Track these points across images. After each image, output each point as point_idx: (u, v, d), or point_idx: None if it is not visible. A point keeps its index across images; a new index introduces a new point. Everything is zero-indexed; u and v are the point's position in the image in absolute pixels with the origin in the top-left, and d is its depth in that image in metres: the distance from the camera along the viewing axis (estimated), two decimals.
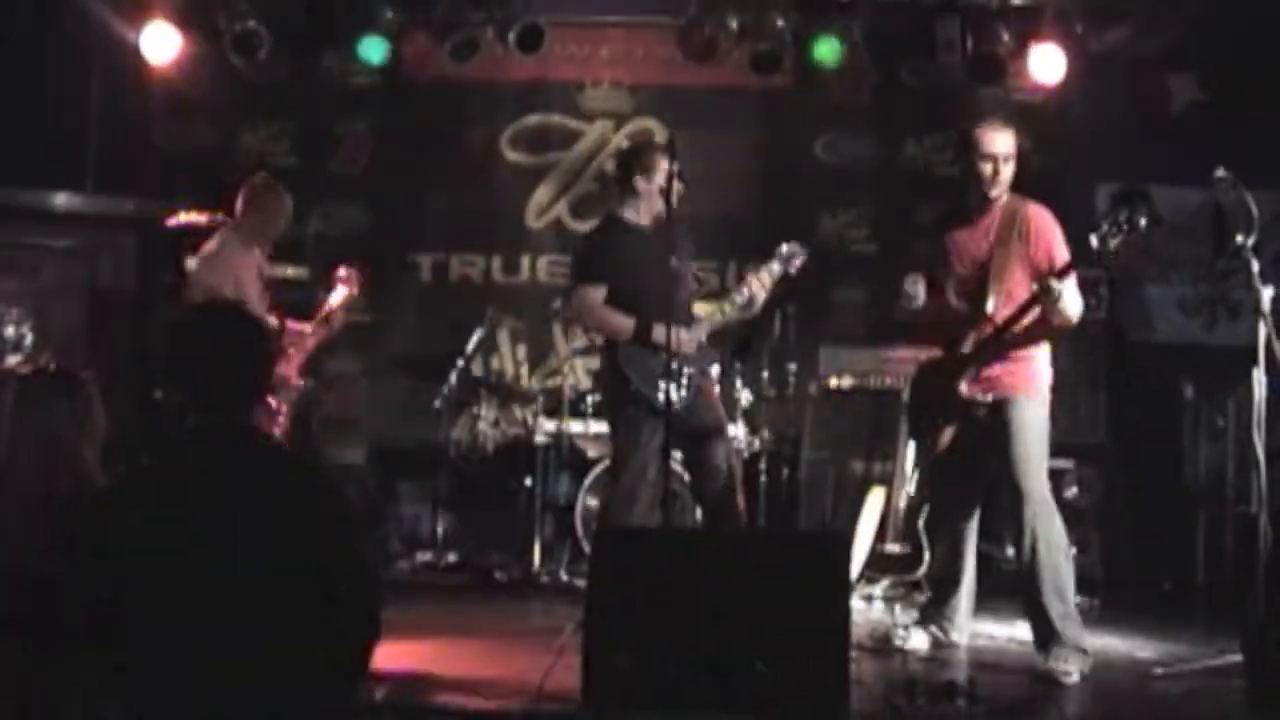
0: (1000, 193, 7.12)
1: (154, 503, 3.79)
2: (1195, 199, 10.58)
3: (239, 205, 8.59)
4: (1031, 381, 7.11)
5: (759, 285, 7.91)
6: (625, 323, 7.82)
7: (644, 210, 7.93)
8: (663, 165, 7.72)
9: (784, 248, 7.95)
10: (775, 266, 7.87)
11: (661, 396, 7.58)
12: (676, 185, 7.60)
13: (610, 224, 8.07)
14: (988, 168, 7.07)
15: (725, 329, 8.18)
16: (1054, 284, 6.75)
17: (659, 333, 7.49)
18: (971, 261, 7.20)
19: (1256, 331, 6.99)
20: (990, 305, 7.05)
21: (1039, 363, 7.15)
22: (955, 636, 7.48)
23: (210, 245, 8.45)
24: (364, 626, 3.95)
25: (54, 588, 4.04)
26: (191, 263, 8.49)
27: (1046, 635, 6.95)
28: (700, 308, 8.02)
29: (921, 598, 8.77)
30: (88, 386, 5.03)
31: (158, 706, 3.69)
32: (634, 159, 8.07)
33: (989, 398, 7.10)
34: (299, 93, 11.45)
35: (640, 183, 7.91)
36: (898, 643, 7.46)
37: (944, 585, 7.57)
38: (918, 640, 7.45)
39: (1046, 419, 7.12)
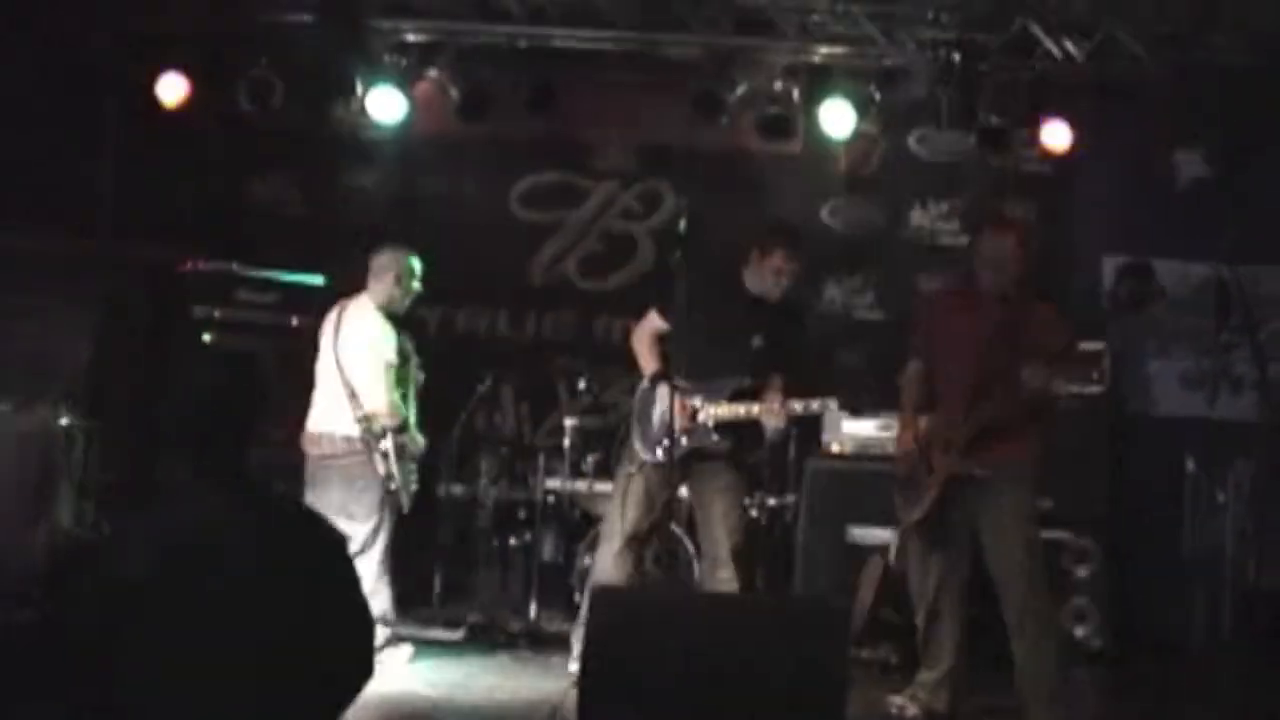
0: (1000, 291, 7.22)
1: (145, 554, 3.76)
2: (1199, 273, 10.62)
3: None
4: (1026, 459, 7.15)
5: (776, 418, 7.90)
6: (650, 365, 8.01)
7: (752, 280, 7.99)
8: (785, 252, 7.84)
9: (816, 404, 7.92)
10: (797, 408, 7.85)
11: (645, 447, 7.68)
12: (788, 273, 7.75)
13: (719, 276, 8.07)
14: (986, 274, 7.15)
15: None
16: (1034, 374, 6.88)
17: (662, 392, 7.68)
18: (965, 337, 7.28)
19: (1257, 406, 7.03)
20: (990, 391, 7.11)
21: (1033, 441, 7.18)
22: (944, 707, 7.47)
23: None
24: (356, 667, 3.96)
25: (24, 634, 4.02)
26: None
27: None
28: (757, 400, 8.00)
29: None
30: (71, 434, 5.03)
31: None
32: (763, 234, 8.09)
33: (985, 469, 7.12)
34: (309, 142, 11.48)
35: (755, 255, 7.96)
36: (892, 711, 7.46)
37: (931, 656, 7.57)
38: (911, 711, 7.45)
39: (1037, 497, 7.19)
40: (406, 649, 8.51)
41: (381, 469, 8.21)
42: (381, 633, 8.05)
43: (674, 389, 7.53)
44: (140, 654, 3.67)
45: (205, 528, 3.82)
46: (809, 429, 10.09)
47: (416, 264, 8.72)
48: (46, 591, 4.30)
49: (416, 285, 8.72)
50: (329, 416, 8.33)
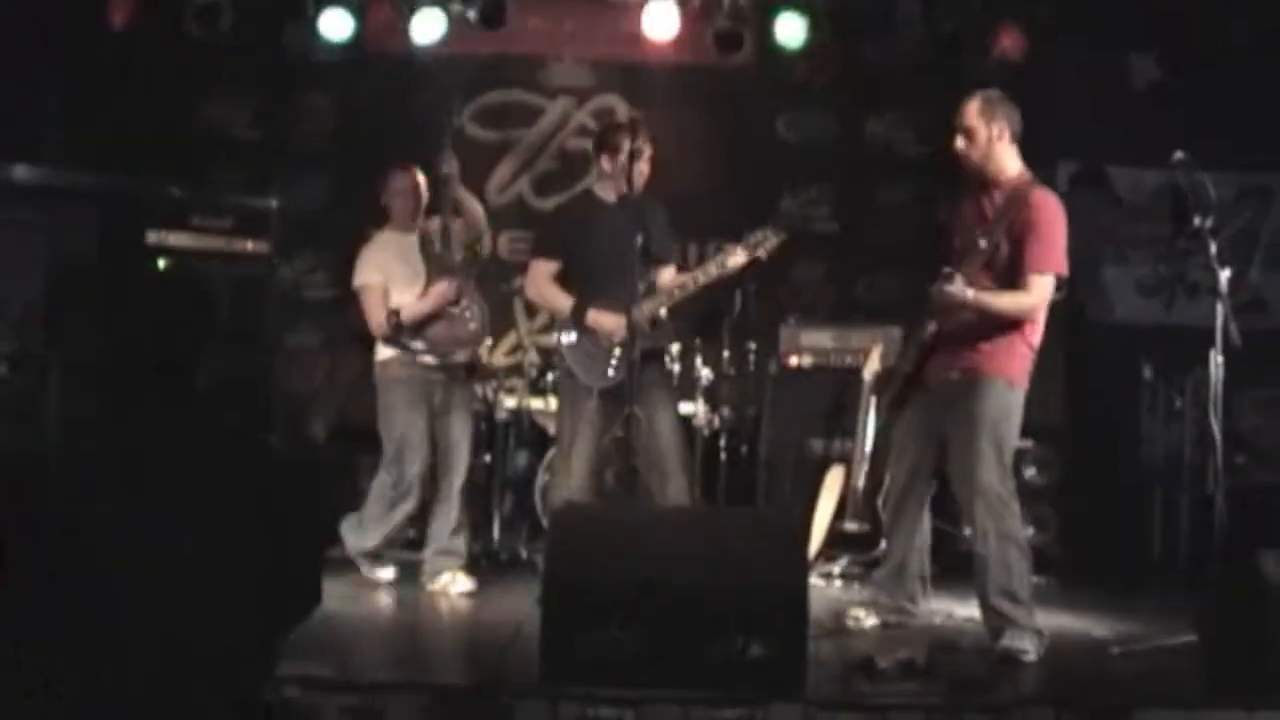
0: (970, 165, 7.15)
1: (108, 472, 3.77)
2: (1154, 180, 10.65)
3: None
4: (999, 365, 7.01)
5: (716, 268, 7.89)
6: (564, 302, 8.04)
7: (611, 188, 8.05)
8: (625, 144, 7.77)
9: (754, 234, 7.88)
10: (741, 250, 7.85)
11: (586, 375, 7.73)
12: (641, 162, 7.69)
13: (578, 199, 8.37)
14: (956, 138, 7.14)
15: (685, 306, 8.15)
16: (951, 290, 6.85)
17: (591, 316, 7.83)
18: (965, 237, 7.21)
19: (1214, 312, 7.03)
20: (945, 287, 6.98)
21: (1014, 347, 7.04)
22: (905, 611, 7.51)
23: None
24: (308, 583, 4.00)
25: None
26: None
27: (998, 624, 6.98)
28: (665, 281, 8.04)
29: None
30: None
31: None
32: (600, 137, 8.23)
33: (954, 375, 7.11)
34: (260, 65, 11.38)
35: (605, 161, 8.06)
36: (849, 623, 7.50)
37: (891, 559, 7.61)
38: (870, 620, 7.48)
39: (1010, 406, 7.05)
40: (388, 570, 8.57)
41: None
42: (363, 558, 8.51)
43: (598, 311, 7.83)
44: (94, 574, 3.67)
45: (156, 450, 3.79)
46: (768, 341, 10.12)
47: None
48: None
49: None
50: None
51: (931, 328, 7.18)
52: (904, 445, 7.48)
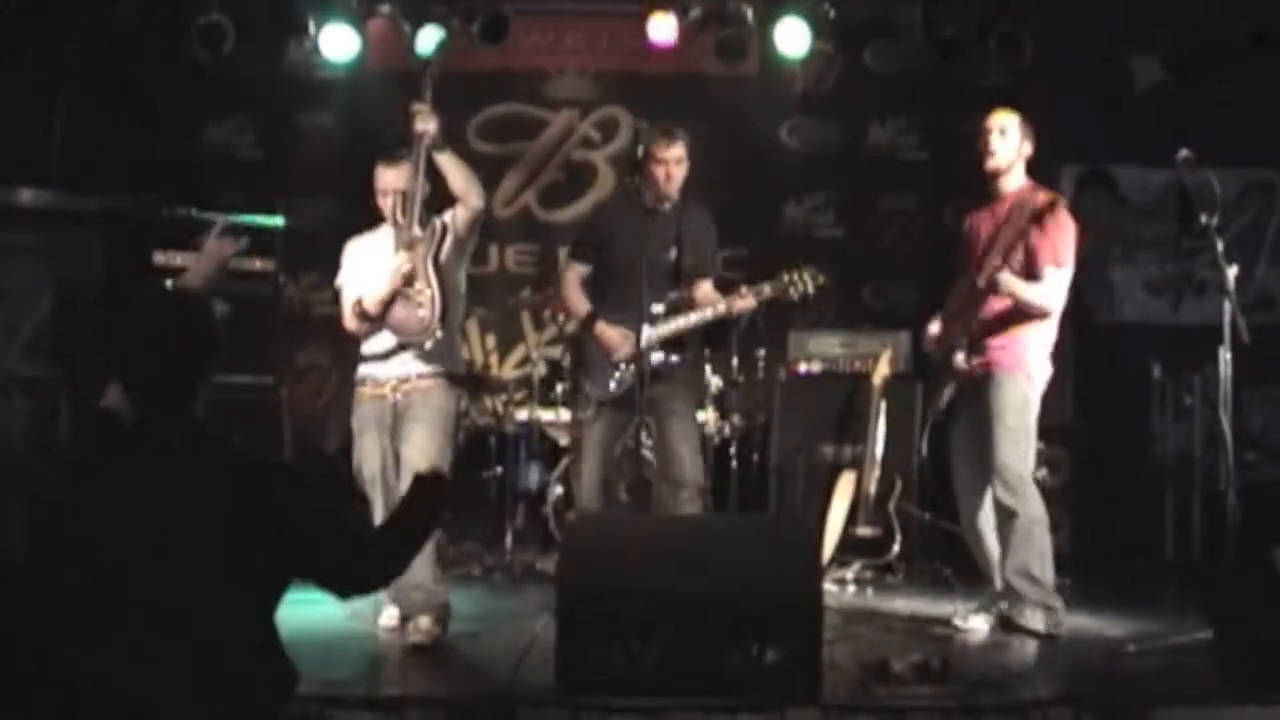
0: (995, 165, 7.31)
1: (94, 501, 3.75)
2: (1159, 179, 10.67)
3: None
4: (1016, 360, 7.22)
5: (744, 304, 7.85)
6: (580, 308, 7.95)
7: (650, 195, 7.88)
8: (659, 151, 7.73)
9: (791, 274, 7.78)
10: (770, 288, 7.79)
11: (590, 384, 7.74)
12: (675, 170, 7.71)
13: (616, 202, 8.25)
14: (980, 140, 7.32)
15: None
16: (1003, 278, 7.03)
17: (599, 328, 7.76)
18: (980, 243, 7.40)
19: (1222, 310, 7.04)
20: (981, 281, 7.19)
21: (1028, 343, 7.24)
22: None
23: None
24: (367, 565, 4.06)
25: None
26: None
27: (1011, 605, 7.21)
28: (698, 296, 7.97)
29: (893, 579, 8.89)
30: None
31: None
32: (635, 144, 7.93)
33: (977, 372, 7.26)
34: (263, 85, 11.44)
35: (641, 169, 7.85)
36: (957, 622, 7.55)
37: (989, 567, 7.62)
38: (975, 622, 7.50)
39: (1030, 399, 7.24)
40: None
41: None
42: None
43: (609, 322, 7.71)
44: (81, 602, 3.66)
45: (151, 470, 3.79)
46: (777, 349, 10.14)
47: None
48: None
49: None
50: None
51: (962, 341, 7.29)
52: (957, 466, 7.57)
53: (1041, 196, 7.13)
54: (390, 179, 7.53)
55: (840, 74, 11.47)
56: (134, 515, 3.69)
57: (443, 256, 7.31)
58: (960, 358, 7.29)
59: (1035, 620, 7.06)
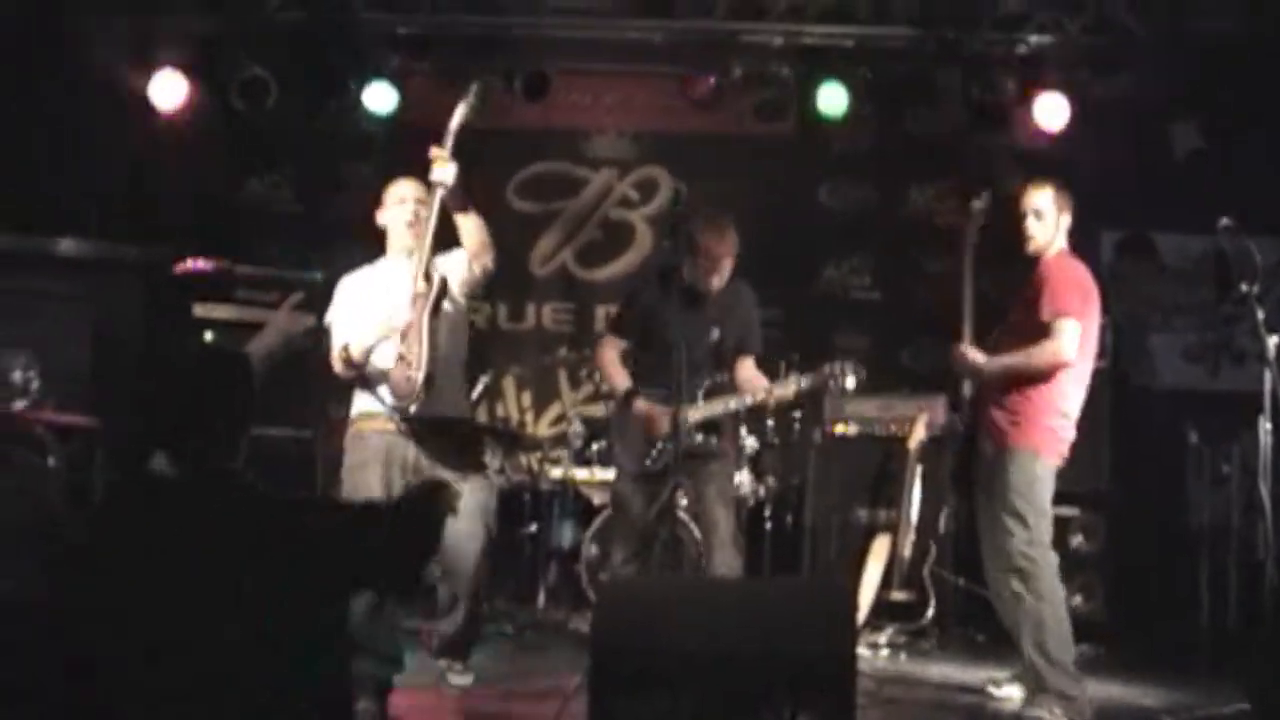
0: (1035, 249, 7.22)
1: (136, 551, 3.75)
2: (1198, 245, 10.64)
3: None
4: (1023, 435, 7.08)
5: (781, 394, 7.84)
6: (620, 383, 7.86)
7: (693, 276, 7.72)
8: (711, 249, 7.63)
9: (831, 367, 7.63)
10: (810, 380, 7.75)
11: (624, 457, 7.73)
12: (724, 266, 7.67)
13: (658, 280, 7.83)
14: (1018, 226, 7.23)
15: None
16: (958, 353, 7.12)
17: (638, 405, 7.65)
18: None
19: (1261, 378, 7.01)
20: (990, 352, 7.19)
21: (1036, 415, 7.08)
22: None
23: None
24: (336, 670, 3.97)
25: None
26: None
27: (1032, 683, 7.05)
28: (740, 377, 7.90)
29: (926, 645, 8.85)
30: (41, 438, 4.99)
31: None
32: (689, 231, 7.63)
33: (988, 448, 7.19)
34: (303, 140, 11.53)
35: (688, 256, 7.65)
36: (991, 689, 7.55)
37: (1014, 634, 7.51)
38: (1009, 691, 7.48)
39: (1037, 478, 7.07)
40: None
41: None
42: None
43: (647, 400, 7.61)
44: (122, 649, 3.65)
45: (188, 527, 3.78)
46: (812, 410, 10.12)
47: None
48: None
49: None
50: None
51: (967, 392, 7.27)
52: (982, 536, 7.47)
53: (1048, 259, 7.15)
54: (411, 189, 7.34)
55: (878, 136, 11.48)
56: (168, 572, 3.68)
57: (441, 311, 6.95)
58: (979, 437, 7.25)
59: (1055, 715, 6.80)
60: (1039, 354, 6.98)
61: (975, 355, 7.08)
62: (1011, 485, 7.01)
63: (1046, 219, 7.18)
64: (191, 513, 3.83)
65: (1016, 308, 7.20)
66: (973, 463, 7.41)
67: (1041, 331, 6.96)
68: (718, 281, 7.70)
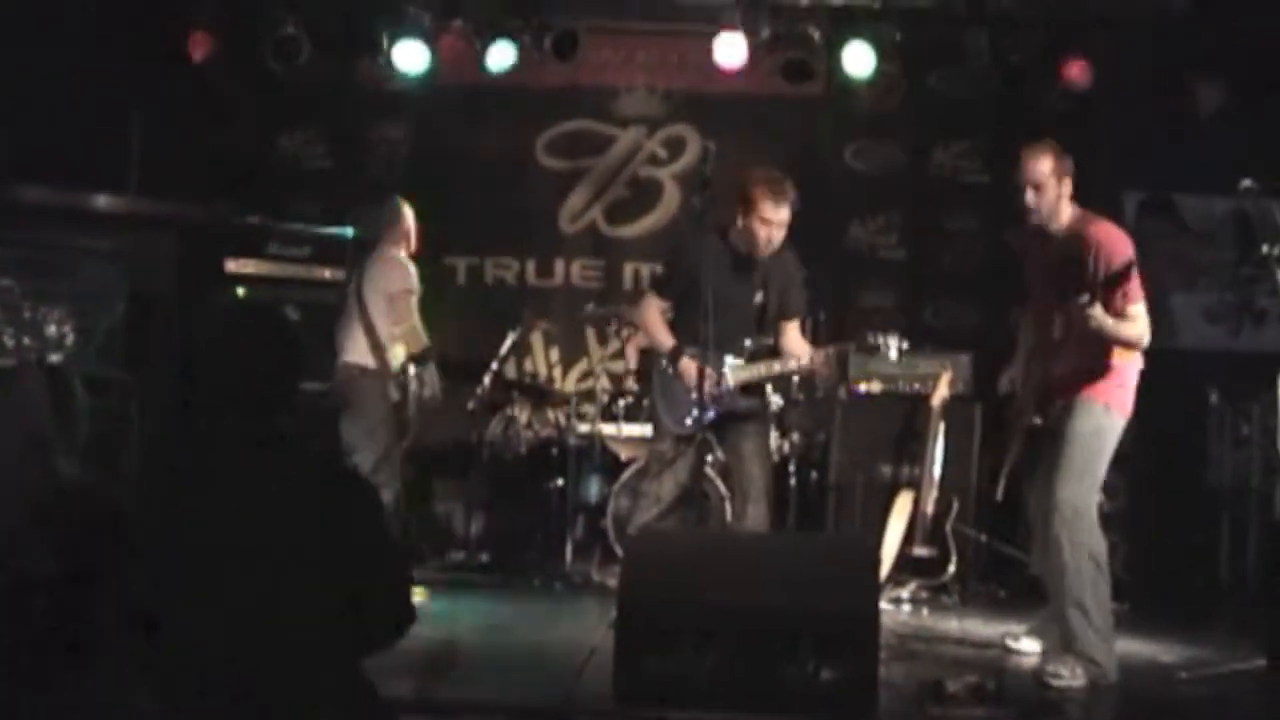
0: (1039, 220, 7.16)
1: (189, 505, 3.81)
2: (1221, 207, 10.64)
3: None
4: (1097, 390, 7.05)
5: (823, 365, 7.95)
6: (665, 340, 7.94)
7: (742, 239, 7.88)
8: (765, 210, 7.73)
9: (873, 338, 7.86)
10: (850, 353, 7.82)
11: (666, 415, 7.79)
12: (776, 231, 7.76)
13: (705, 243, 7.72)
14: (1021, 195, 7.14)
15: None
16: (1093, 312, 6.75)
17: (684, 364, 7.74)
18: (1040, 283, 7.32)
19: None
20: (1057, 331, 7.14)
21: (1111, 375, 7.07)
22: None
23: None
24: (395, 616, 4.02)
25: (69, 589, 4.09)
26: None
27: (1058, 639, 7.05)
28: (784, 342, 8.06)
29: (948, 600, 8.93)
30: (70, 382, 5.02)
31: (191, 699, 3.71)
32: (741, 190, 7.85)
33: (1060, 405, 7.12)
34: (335, 97, 11.61)
35: (739, 216, 7.83)
36: (1009, 643, 7.61)
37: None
38: (1027, 644, 7.55)
39: (1103, 430, 7.06)
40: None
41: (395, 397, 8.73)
42: None
43: (693, 358, 7.58)
44: (175, 609, 3.73)
45: (239, 485, 3.84)
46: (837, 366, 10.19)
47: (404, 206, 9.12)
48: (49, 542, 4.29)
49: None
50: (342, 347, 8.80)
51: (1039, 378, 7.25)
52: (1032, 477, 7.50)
53: (1094, 230, 7.04)
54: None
55: (905, 96, 11.53)
56: (217, 524, 3.77)
57: None
58: (1036, 403, 7.26)
59: (1065, 672, 6.75)
60: (1135, 332, 6.96)
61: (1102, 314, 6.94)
62: (1076, 432, 6.98)
63: (1047, 190, 7.08)
64: (248, 472, 3.88)
65: (1057, 280, 7.07)
66: (1016, 422, 7.44)
67: (1107, 299, 6.83)
68: (770, 247, 7.76)
